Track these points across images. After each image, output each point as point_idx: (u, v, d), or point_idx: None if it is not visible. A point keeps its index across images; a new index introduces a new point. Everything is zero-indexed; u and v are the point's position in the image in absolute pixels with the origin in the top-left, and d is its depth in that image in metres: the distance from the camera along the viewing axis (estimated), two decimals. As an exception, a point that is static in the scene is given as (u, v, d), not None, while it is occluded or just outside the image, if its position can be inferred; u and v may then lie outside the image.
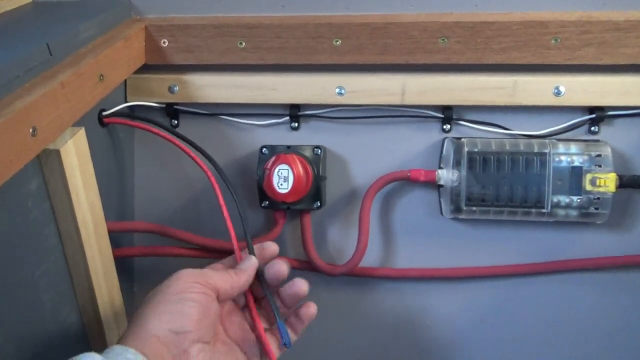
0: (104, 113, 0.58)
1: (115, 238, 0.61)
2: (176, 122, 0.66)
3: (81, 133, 0.50)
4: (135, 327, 0.42)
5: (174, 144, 0.57)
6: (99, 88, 0.52)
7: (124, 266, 0.66)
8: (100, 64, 0.52)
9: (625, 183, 0.59)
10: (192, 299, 0.43)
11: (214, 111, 0.65)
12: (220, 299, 0.46)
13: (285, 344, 0.48)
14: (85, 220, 0.50)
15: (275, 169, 0.59)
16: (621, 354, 0.65)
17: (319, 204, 0.63)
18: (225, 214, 0.52)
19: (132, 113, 0.64)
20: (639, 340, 0.65)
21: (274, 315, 0.48)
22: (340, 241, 0.67)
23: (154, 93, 0.64)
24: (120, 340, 0.42)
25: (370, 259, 0.66)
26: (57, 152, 0.46)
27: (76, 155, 0.48)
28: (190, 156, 0.56)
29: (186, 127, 0.66)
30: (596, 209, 0.60)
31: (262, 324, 0.49)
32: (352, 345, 0.69)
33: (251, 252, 0.51)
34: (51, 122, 0.44)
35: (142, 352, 0.39)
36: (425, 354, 0.68)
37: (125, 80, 0.63)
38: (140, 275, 0.69)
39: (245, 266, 0.49)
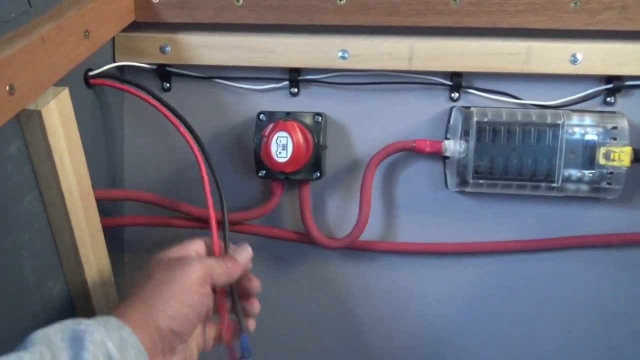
0: (91, 73, 0.54)
1: (105, 207, 0.58)
2: (168, 85, 0.63)
3: (65, 93, 0.47)
4: (137, 304, 0.41)
5: (162, 113, 0.54)
6: (84, 45, 0.49)
7: (114, 236, 0.64)
8: (85, 19, 0.49)
9: (641, 157, 0.57)
10: (200, 304, 0.43)
11: (209, 74, 0.62)
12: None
13: (243, 357, 0.47)
14: (70, 187, 0.48)
15: (273, 136, 0.57)
16: (628, 332, 0.64)
17: (318, 174, 0.60)
18: (210, 203, 0.50)
19: (120, 74, 0.61)
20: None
21: (239, 326, 0.48)
22: (341, 213, 0.65)
23: (144, 53, 0.61)
24: (119, 313, 0.40)
25: (371, 233, 0.64)
26: (38, 113, 0.44)
27: (59, 117, 0.46)
28: (177, 128, 0.53)
29: (179, 90, 0.63)
30: (609, 183, 0.57)
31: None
32: (351, 320, 0.68)
33: (227, 247, 0.49)
34: (30, 80, 0.41)
35: (138, 335, 0.39)
36: (425, 330, 0.67)
37: (114, 39, 0.60)
38: (131, 244, 0.67)
39: (241, 257, 0.47)
